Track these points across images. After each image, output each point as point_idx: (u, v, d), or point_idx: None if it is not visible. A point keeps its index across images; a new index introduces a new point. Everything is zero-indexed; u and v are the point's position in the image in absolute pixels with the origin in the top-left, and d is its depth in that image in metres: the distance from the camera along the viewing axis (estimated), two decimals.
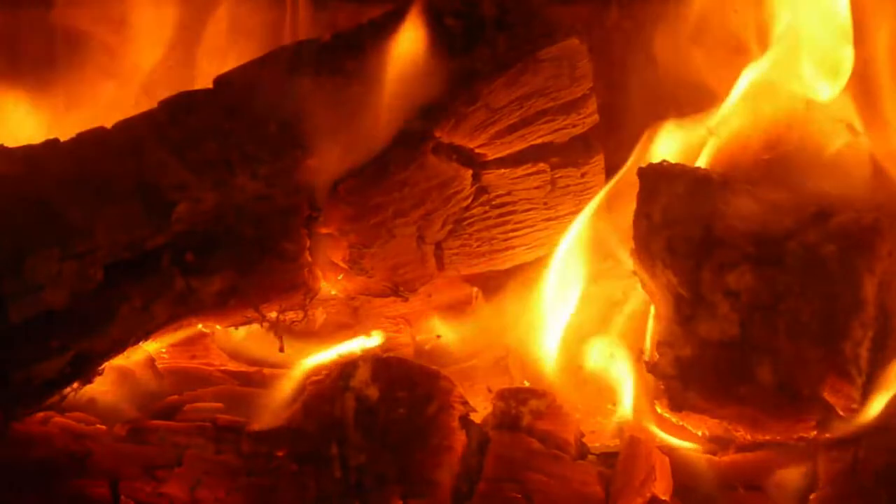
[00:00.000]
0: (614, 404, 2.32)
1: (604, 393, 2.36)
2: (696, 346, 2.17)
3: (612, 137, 2.48)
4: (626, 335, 2.40)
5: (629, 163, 2.40)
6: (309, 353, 2.35)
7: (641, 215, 2.24)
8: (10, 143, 2.21)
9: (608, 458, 2.20)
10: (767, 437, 2.17)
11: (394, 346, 2.43)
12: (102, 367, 2.18)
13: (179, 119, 2.25)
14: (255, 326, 2.31)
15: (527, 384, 2.37)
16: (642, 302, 2.35)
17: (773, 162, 2.39)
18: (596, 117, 2.43)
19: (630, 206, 2.25)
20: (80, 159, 2.19)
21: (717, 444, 2.21)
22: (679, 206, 2.21)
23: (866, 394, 2.10)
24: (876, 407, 2.10)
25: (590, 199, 2.41)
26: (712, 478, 2.17)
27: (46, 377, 2.10)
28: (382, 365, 2.20)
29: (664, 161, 2.29)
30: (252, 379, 2.37)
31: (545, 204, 2.42)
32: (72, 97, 2.59)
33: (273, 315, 2.28)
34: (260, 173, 2.22)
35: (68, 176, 2.16)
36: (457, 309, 2.47)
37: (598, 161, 2.44)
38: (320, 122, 2.25)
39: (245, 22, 2.67)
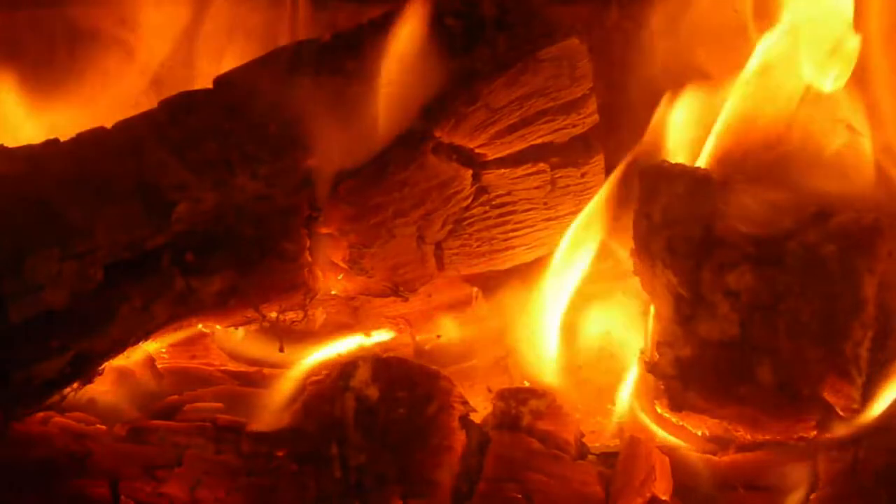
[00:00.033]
0: (614, 404, 2.32)
1: (604, 393, 2.36)
2: (696, 346, 2.17)
3: (612, 137, 2.48)
4: (627, 335, 2.40)
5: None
6: (309, 353, 2.36)
7: (641, 215, 2.24)
8: (10, 143, 2.21)
9: (608, 458, 2.20)
10: (767, 437, 2.17)
11: (394, 346, 2.43)
12: (102, 367, 2.18)
13: (179, 119, 2.25)
14: (255, 326, 2.32)
15: (527, 384, 2.37)
16: (642, 302, 2.35)
17: (773, 162, 2.39)
18: (596, 117, 2.43)
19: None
20: (80, 159, 2.19)
21: (717, 444, 2.21)
22: (679, 206, 2.21)
23: (866, 394, 2.11)
24: (876, 407, 2.10)
25: (590, 198, 2.41)
26: (712, 478, 2.17)
27: (46, 377, 2.10)
28: (382, 365, 2.20)
29: (664, 161, 2.30)
30: (252, 379, 2.37)
31: (545, 204, 2.42)
32: (72, 97, 2.59)
33: (273, 315, 2.28)
34: (260, 173, 2.22)
35: (68, 176, 2.16)
36: (457, 309, 2.47)
37: (598, 161, 2.44)
38: (320, 122, 2.25)
39: (244, 22, 2.67)
